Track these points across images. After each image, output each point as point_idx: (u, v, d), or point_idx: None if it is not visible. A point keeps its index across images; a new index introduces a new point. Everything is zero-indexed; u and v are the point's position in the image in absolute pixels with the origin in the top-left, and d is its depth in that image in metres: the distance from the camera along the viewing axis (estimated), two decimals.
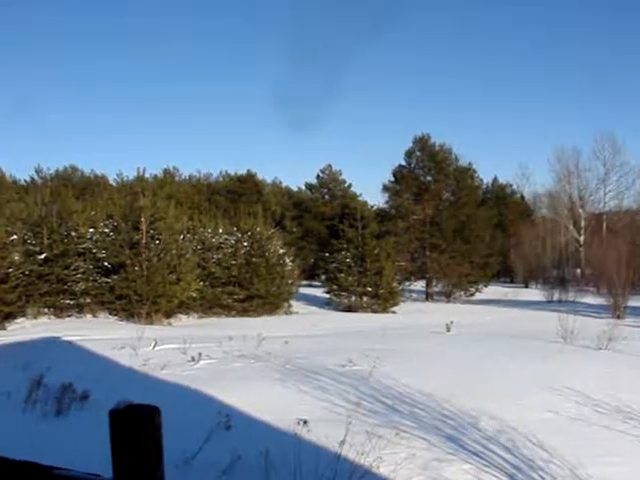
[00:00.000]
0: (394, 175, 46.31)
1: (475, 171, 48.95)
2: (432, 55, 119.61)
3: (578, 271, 57.78)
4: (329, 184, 61.61)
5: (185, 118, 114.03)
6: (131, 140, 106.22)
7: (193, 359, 15.05)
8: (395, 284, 36.10)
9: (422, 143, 45.80)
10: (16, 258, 25.58)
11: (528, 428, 8.80)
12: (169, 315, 27.63)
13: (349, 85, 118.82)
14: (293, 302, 32.70)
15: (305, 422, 7.73)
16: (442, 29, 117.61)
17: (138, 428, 2.05)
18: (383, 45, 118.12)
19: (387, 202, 46.90)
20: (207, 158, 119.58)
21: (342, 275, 34.09)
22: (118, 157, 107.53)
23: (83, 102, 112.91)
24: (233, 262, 31.05)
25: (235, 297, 30.55)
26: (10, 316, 24.77)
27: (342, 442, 7.07)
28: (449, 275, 42.31)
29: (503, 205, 60.34)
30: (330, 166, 61.84)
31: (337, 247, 35.70)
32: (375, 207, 50.97)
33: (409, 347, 17.29)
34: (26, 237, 27.43)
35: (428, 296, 43.25)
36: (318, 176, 62.02)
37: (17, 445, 2.85)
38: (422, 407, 10.07)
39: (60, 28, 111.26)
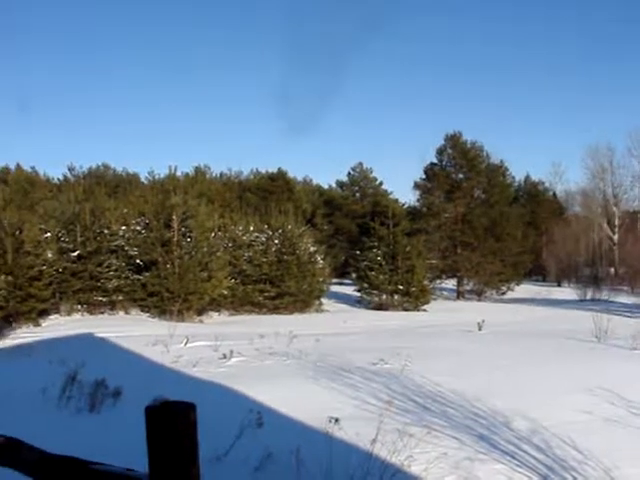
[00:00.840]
0: (425, 173, 46.15)
1: (507, 169, 48.70)
2: (463, 50, 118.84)
3: (612, 270, 57.22)
4: (360, 182, 61.54)
5: (216, 117, 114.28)
6: (162, 138, 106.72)
7: (224, 356, 15.12)
8: (426, 282, 35.95)
9: (453, 141, 45.58)
10: (50, 255, 25.87)
11: (561, 428, 8.70)
12: (200, 312, 27.77)
13: (380, 82, 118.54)
14: (324, 300, 32.72)
15: (337, 420, 7.70)
16: (472, 20, 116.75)
17: (174, 424, 2.06)
18: (411, 39, 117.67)
19: (418, 200, 46.78)
20: (238, 156, 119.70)
21: (373, 273, 34.00)
22: (150, 155, 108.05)
23: (115, 102, 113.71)
24: (264, 260, 31.13)
25: (266, 295, 30.63)
26: (44, 313, 25.08)
27: (373, 440, 7.06)
28: (480, 273, 42.05)
29: (535, 203, 59.83)
30: (361, 164, 61.83)
31: (368, 245, 35.62)
32: (406, 205, 50.86)
33: (440, 346, 17.24)
34: (60, 235, 27.71)
35: (459, 294, 43.04)
36: (349, 174, 62.02)
37: (52, 440, 2.88)
38: (453, 406, 10.02)
39: (88, 31, 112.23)
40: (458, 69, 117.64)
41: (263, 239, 31.87)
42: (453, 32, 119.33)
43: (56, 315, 25.93)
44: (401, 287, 33.80)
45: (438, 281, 42.19)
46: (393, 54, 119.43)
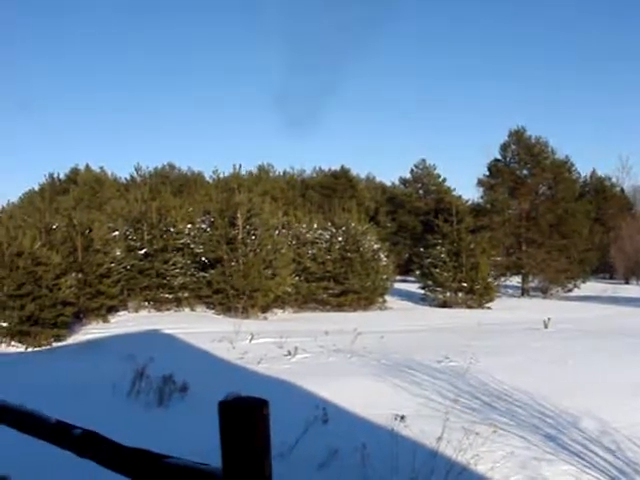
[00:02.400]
0: (489, 169, 45.68)
1: (573, 164, 47.80)
2: (527, 43, 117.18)
3: None
4: (423, 179, 61.15)
5: (278, 115, 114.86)
6: (226, 138, 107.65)
7: (289, 353, 15.23)
8: (490, 280, 35.56)
9: (517, 136, 45.00)
10: (118, 253, 26.38)
11: (633, 430, 8.53)
12: (265, 309, 27.99)
13: (444, 78, 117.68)
14: (387, 297, 32.64)
15: (402, 417, 7.73)
16: (535, 11, 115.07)
17: (247, 419, 2.11)
18: (474, 35, 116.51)
19: (482, 197, 46.33)
20: (301, 154, 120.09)
21: (437, 270, 33.78)
22: (214, 154, 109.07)
23: (180, 102, 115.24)
24: (328, 257, 31.19)
25: (330, 292, 30.69)
26: (113, 309, 25.62)
27: (439, 438, 7.05)
28: (546, 270, 41.41)
29: (602, 199, 58.60)
30: (424, 161, 61.38)
31: (432, 242, 35.42)
32: (470, 202, 50.39)
33: (505, 343, 17.07)
34: (127, 233, 28.24)
35: (524, 292, 42.46)
36: (412, 171, 61.66)
37: (122, 435, 2.97)
38: (519, 404, 9.93)
39: (166, 32, 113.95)
40: (523, 63, 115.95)
41: (327, 236, 31.94)
42: (518, 25, 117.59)
43: (124, 312, 26.44)
44: (465, 284, 33.51)
45: (502, 278, 41.70)
46: (461, 52, 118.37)
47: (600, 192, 60.22)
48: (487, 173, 45.79)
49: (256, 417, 2.12)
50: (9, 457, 4.52)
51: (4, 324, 19.91)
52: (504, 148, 45.38)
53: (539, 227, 42.53)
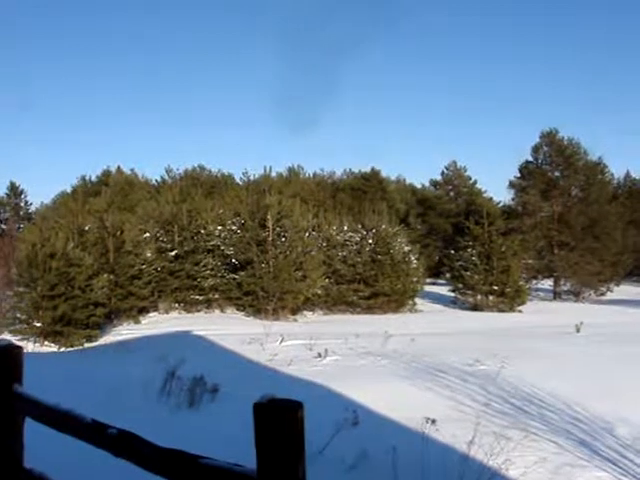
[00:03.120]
0: (520, 171, 45.34)
1: (606, 165, 47.29)
2: (560, 44, 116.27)
3: None
4: (454, 181, 60.90)
5: (309, 117, 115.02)
6: (256, 139, 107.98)
7: (319, 355, 15.23)
8: (522, 283, 35.29)
9: (549, 138, 44.62)
10: (149, 255, 26.58)
11: None
12: (295, 311, 28.02)
13: (477, 80, 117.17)
14: (418, 300, 32.54)
15: (433, 421, 7.70)
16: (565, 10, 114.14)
17: (282, 421, 2.12)
18: (508, 34, 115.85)
19: (513, 199, 45.97)
20: (331, 156, 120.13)
21: (468, 273, 33.60)
22: (243, 156, 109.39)
23: (209, 104, 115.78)
24: (358, 259, 31.17)
25: (360, 294, 30.64)
26: (144, 310, 25.82)
27: (470, 442, 7.02)
28: (578, 273, 40.96)
29: (636, 201, 57.87)
30: (455, 162, 61.15)
31: (462, 245, 35.23)
32: (501, 204, 50.06)
33: (537, 347, 16.92)
34: (158, 235, 28.43)
35: (556, 295, 42.05)
36: (443, 173, 61.46)
37: (153, 435, 2.99)
38: (551, 409, 9.85)
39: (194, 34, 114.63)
40: (555, 64, 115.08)
41: (357, 239, 31.92)
42: (551, 24, 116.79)
43: (155, 313, 26.63)
44: (496, 287, 33.29)
45: (534, 281, 41.35)
46: (493, 52, 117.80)
47: (634, 194, 59.48)
48: (518, 175, 45.45)
49: (291, 419, 2.13)
50: (46, 455, 4.56)
51: (38, 324, 20.17)
52: (536, 150, 45.02)
53: (571, 229, 42.12)
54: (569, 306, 35.59)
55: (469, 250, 34.62)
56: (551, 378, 11.99)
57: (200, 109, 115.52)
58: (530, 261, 40.95)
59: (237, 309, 28.18)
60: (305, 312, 28.92)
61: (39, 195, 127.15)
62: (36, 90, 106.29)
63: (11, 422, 4.11)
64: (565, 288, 42.71)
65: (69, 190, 51.57)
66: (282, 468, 2.11)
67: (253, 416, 2.18)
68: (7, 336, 18.58)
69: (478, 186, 59.80)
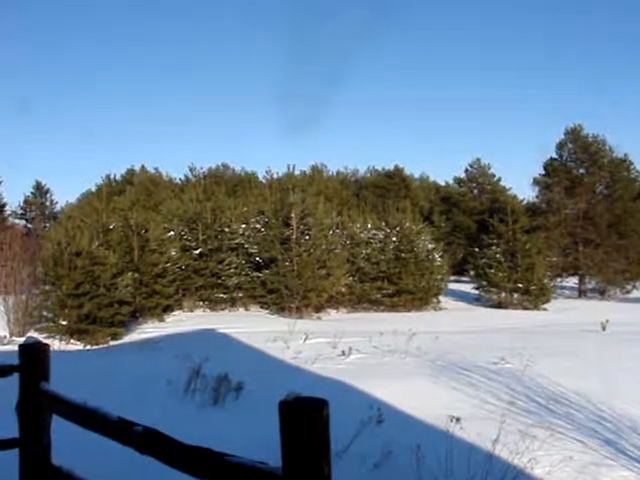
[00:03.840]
0: (545, 168, 45.13)
1: (632, 162, 46.87)
2: (585, 39, 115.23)
3: None
4: (478, 178, 60.61)
5: (332, 114, 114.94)
6: (279, 137, 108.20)
7: (343, 353, 15.23)
8: (546, 280, 35.10)
9: (574, 134, 44.36)
10: (173, 253, 26.71)
11: None
12: (318, 309, 28.04)
13: (499, 76, 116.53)
14: (442, 298, 32.45)
15: (457, 419, 7.68)
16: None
17: (308, 419, 2.13)
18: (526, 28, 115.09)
19: (537, 196, 45.79)
20: (354, 154, 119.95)
21: (492, 271, 33.46)
22: (267, 155, 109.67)
23: (234, 103, 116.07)
24: (382, 257, 31.14)
25: (384, 292, 30.60)
26: (168, 308, 25.95)
27: (495, 441, 6.99)
28: (603, 271, 40.67)
29: None
30: (479, 160, 60.84)
31: (487, 242, 35.12)
32: (525, 201, 49.78)
33: (562, 345, 16.82)
34: (182, 233, 28.56)
35: (581, 293, 41.78)
36: (466, 170, 61.18)
37: (178, 433, 3.01)
38: (577, 408, 9.78)
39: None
40: (582, 59, 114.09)
41: (381, 236, 31.89)
42: (578, 20, 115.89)
43: (179, 311, 26.77)
44: (520, 285, 33.14)
45: (559, 279, 41.14)
46: (519, 47, 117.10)
47: None
48: (543, 172, 45.27)
49: (316, 417, 2.14)
50: (74, 453, 4.61)
51: (63, 322, 20.33)
52: (560, 147, 44.80)
53: (596, 227, 41.84)
54: (594, 304, 35.31)
55: (493, 248, 34.51)
56: (576, 376, 11.92)
57: (223, 108, 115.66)
58: (555, 259, 40.75)
59: (261, 307, 28.25)
60: (329, 310, 28.94)
61: (64, 194, 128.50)
62: (61, 91, 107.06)
63: (39, 419, 4.17)
64: (590, 286, 42.44)
65: (94, 189, 51.96)
66: (308, 466, 2.12)
67: (279, 414, 2.19)
68: (34, 334, 18.74)
69: (502, 183, 59.52)
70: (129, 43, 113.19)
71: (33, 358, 4.22)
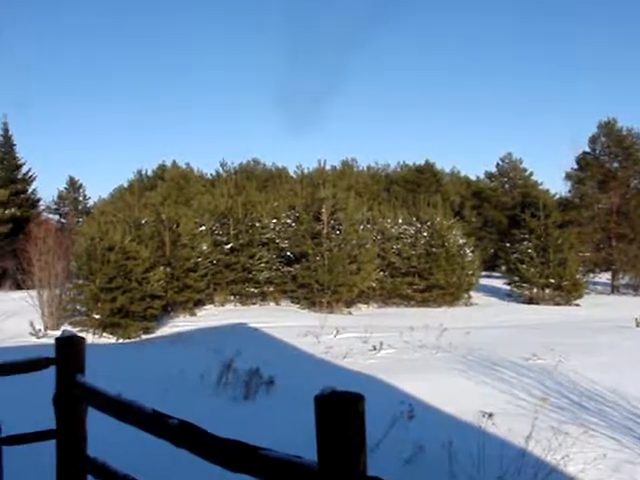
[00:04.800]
0: (577, 162, 44.66)
1: None
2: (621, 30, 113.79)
3: None
4: (509, 173, 60.19)
5: (362, 110, 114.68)
6: (309, 132, 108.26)
7: (374, 348, 15.23)
8: (579, 276, 34.78)
9: (608, 128, 43.83)
10: (204, 248, 26.84)
11: None
12: (349, 304, 28.05)
13: (533, 69, 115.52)
14: (473, 293, 32.30)
15: (490, 415, 7.65)
16: None
17: (344, 413, 2.14)
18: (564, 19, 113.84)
19: (570, 191, 45.31)
20: (384, 149, 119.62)
21: (524, 266, 33.23)
22: (297, 149, 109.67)
23: (264, 100, 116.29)
24: (413, 252, 31.04)
25: (414, 287, 30.52)
26: (199, 303, 26.10)
27: (527, 437, 6.95)
28: (637, 267, 40.17)
29: None
30: (510, 154, 60.39)
31: (518, 237, 34.87)
32: (557, 196, 49.35)
33: (596, 342, 16.66)
34: (213, 228, 28.68)
35: (614, 289, 41.28)
36: (498, 164, 60.77)
37: (210, 427, 3.03)
38: (611, 405, 9.69)
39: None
40: (614, 50, 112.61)
41: (412, 231, 31.79)
42: (609, 12, 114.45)
43: (210, 305, 26.92)
44: (552, 281, 32.87)
45: (591, 275, 40.71)
46: (551, 40, 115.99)
47: None
48: (575, 166, 44.80)
49: (353, 411, 2.15)
50: (109, 445, 4.67)
51: (96, 316, 20.54)
52: (593, 140, 44.30)
53: (630, 222, 41.33)
54: (628, 300, 34.94)
55: (525, 243, 34.25)
56: (610, 373, 11.79)
57: (253, 102, 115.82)
58: (587, 254, 40.31)
59: (292, 302, 28.32)
60: (359, 305, 28.93)
61: (97, 189, 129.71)
62: (96, 87, 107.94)
63: (74, 411, 4.22)
64: (624, 282, 41.94)
65: (126, 184, 52.35)
66: (344, 460, 2.12)
67: (315, 408, 2.19)
68: (67, 328, 18.95)
69: (534, 178, 59.06)
70: (157, 42, 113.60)
71: (69, 351, 4.27)
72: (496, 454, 6.57)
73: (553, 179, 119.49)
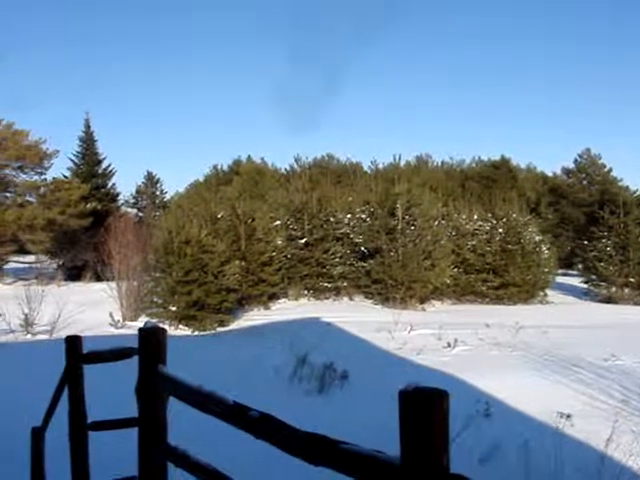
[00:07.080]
0: None
1: None
2: None
3: None
4: (587, 169, 58.94)
5: (437, 106, 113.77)
6: (384, 128, 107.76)
7: (448, 345, 15.13)
8: None
9: None
10: (279, 242, 27.03)
11: None
12: (423, 300, 27.87)
13: (615, 61, 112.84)
14: (549, 291, 31.76)
15: (568, 416, 7.53)
16: None
17: (429, 409, 2.13)
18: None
19: None
20: (460, 144, 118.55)
21: (602, 264, 32.49)
22: (371, 145, 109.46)
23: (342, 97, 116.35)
24: (488, 249, 30.66)
25: (489, 284, 30.14)
26: (274, 296, 26.30)
27: (608, 440, 6.82)
28: None
29: None
30: (588, 150, 59.13)
31: (596, 235, 34.10)
32: (638, 192, 48.13)
33: None
34: (288, 222, 28.84)
35: None
36: (575, 160, 59.58)
37: (285, 419, 3.07)
38: None
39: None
40: None
41: (487, 228, 31.39)
42: None
43: (284, 299, 27.10)
44: (632, 280, 32.07)
45: None
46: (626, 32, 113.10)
47: None
48: None
49: (437, 407, 2.15)
50: (189, 435, 4.75)
51: (173, 308, 20.90)
52: None
53: None
54: None
55: (603, 241, 33.46)
56: None
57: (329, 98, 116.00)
58: None
59: (365, 297, 28.27)
60: (433, 301, 28.73)
61: (174, 184, 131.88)
62: (174, 84, 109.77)
63: (156, 401, 4.31)
64: None
65: (202, 179, 53.07)
66: (427, 456, 2.12)
67: (399, 403, 2.20)
68: (145, 319, 19.34)
69: (613, 174, 57.73)
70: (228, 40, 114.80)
71: (151, 341, 4.36)
72: (574, 456, 6.48)
73: (634, 176, 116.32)
